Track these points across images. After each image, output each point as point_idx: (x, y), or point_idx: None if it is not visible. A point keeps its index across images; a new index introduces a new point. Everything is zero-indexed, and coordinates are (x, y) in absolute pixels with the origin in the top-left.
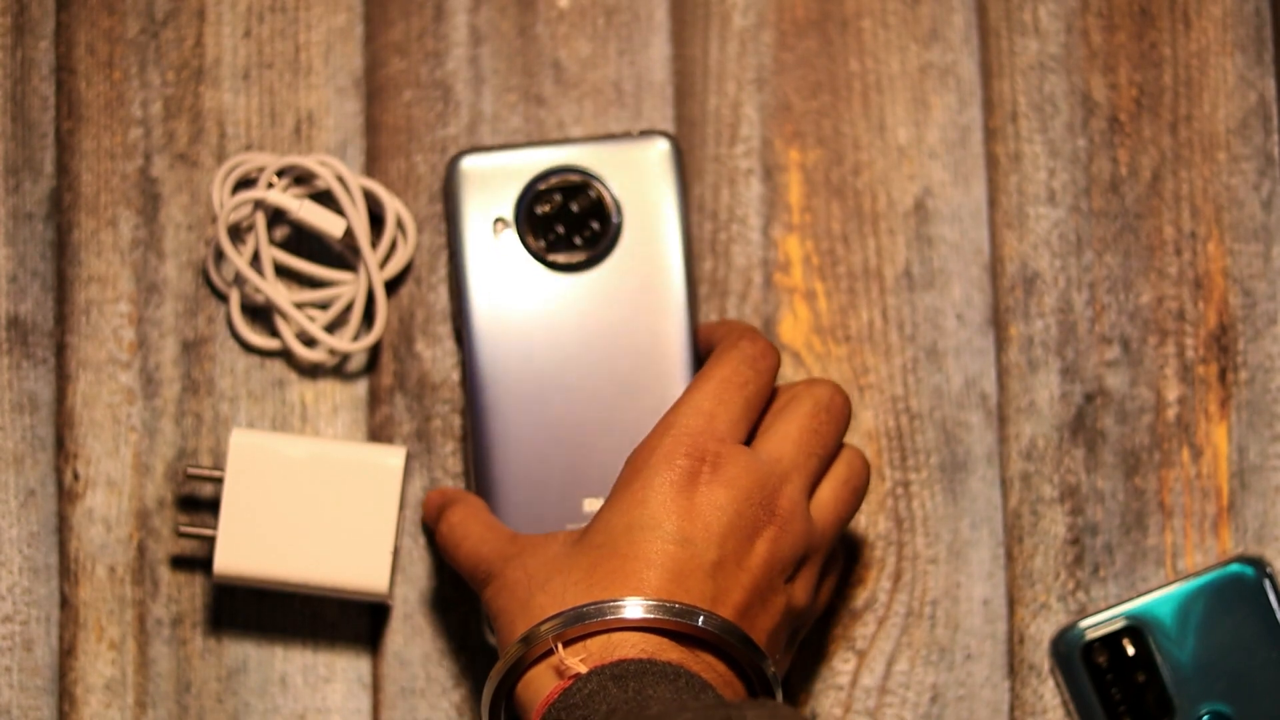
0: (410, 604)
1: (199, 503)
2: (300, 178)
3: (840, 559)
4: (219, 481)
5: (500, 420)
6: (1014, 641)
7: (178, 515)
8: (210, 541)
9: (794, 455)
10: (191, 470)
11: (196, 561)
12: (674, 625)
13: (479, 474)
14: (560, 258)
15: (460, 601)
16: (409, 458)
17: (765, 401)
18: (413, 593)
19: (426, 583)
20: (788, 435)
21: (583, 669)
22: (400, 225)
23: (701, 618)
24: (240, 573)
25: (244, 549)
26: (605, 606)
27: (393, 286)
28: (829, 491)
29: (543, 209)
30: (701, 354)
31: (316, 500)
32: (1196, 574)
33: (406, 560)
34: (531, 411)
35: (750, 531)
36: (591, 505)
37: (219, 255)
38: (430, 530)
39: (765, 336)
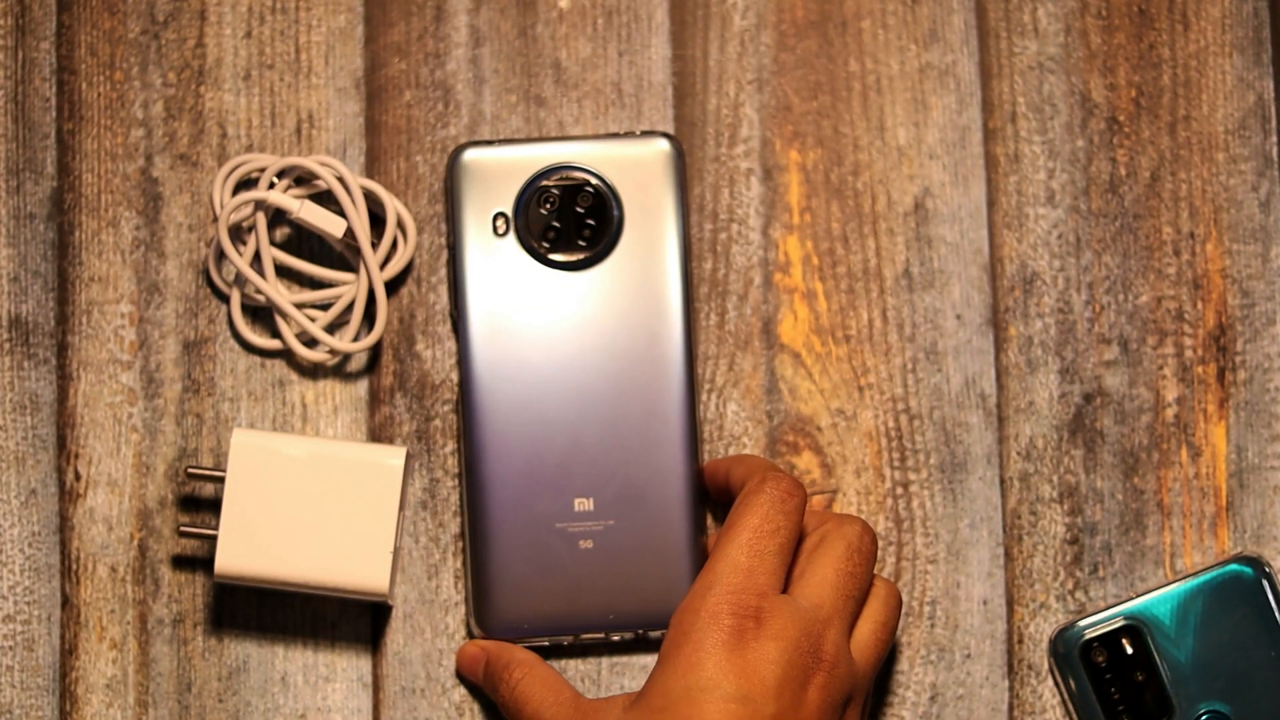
0: (410, 604)
1: (200, 502)
2: (301, 178)
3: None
4: (220, 481)
5: (494, 416)
6: (1013, 641)
7: (179, 515)
8: (211, 541)
9: (834, 600)
10: (192, 470)
11: (197, 561)
12: None
13: (471, 470)
14: (560, 256)
15: (460, 602)
16: (409, 458)
17: (796, 543)
18: (413, 593)
19: (426, 583)
20: (825, 580)
21: None
22: (400, 226)
23: None
24: (241, 572)
25: (245, 549)
26: None
27: (393, 287)
28: (868, 631)
29: (543, 206)
30: (711, 491)
31: (317, 500)
32: (1195, 574)
33: (406, 560)
34: (526, 409)
35: (802, 680)
36: (582, 505)
37: (220, 256)
38: (464, 680)
39: (786, 473)
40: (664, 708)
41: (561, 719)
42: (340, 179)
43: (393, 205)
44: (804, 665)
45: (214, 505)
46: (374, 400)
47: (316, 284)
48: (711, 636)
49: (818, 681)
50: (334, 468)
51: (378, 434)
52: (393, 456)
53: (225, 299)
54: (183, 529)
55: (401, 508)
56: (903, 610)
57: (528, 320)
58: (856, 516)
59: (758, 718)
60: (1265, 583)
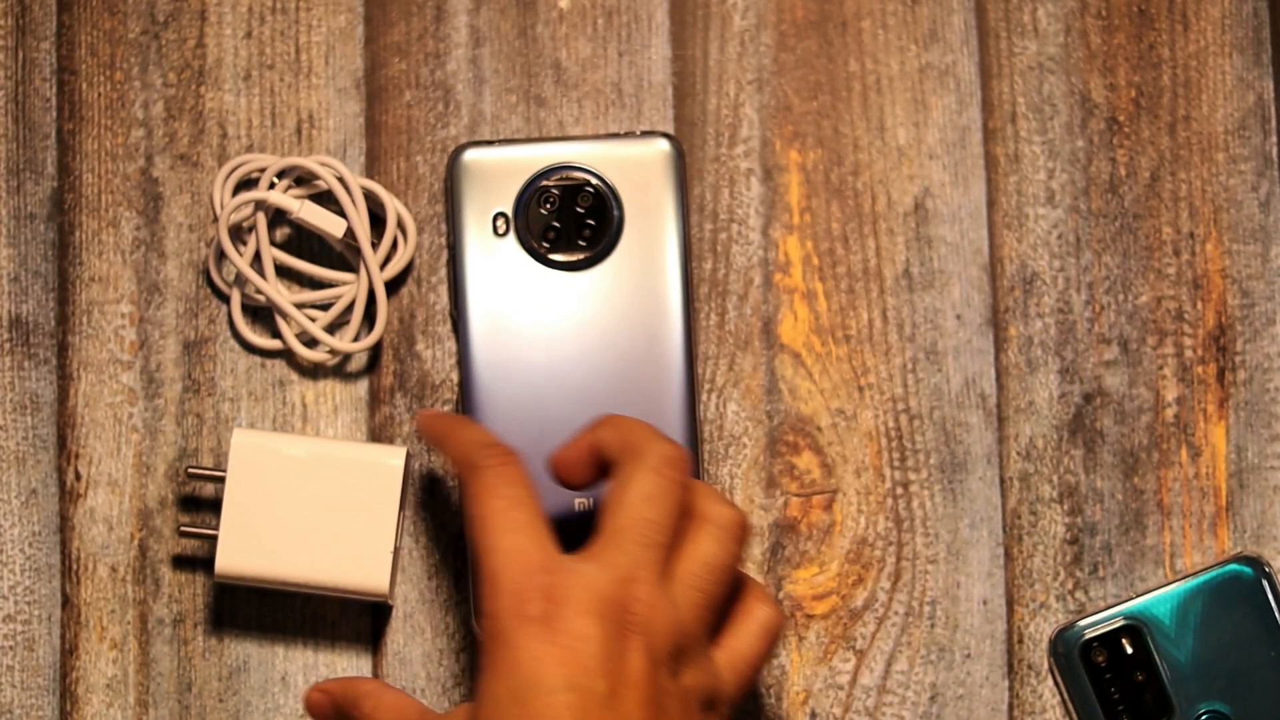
0: (410, 604)
1: (200, 502)
2: (301, 178)
3: (762, 603)
4: (220, 481)
5: (495, 416)
6: (1013, 641)
7: (179, 515)
8: (211, 541)
9: (634, 553)
10: (193, 470)
11: (198, 561)
12: None
13: None
14: (560, 256)
15: (460, 601)
16: (409, 458)
17: (537, 504)
18: (413, 593)
19: (426, 582)
20: (620, 531)
21: None
22: (401, 226)
23: None
24: (241, 572)
25: (245, 549)
26: None
27: (393, 287)
28: (683, 570)
29: (543, 206)
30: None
31: (317, 500)
32: (1195, 573)
33: (406, 560)
34: (526, 409)
35: (621, 649)
36: (582, 505)
37: (220, 256)
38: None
39: (498, 447)
40: (495, 715)
41: None
42: (340, 179)
43: (393, 205)
44: (617, 634)
45: (214, 505)
46: (374, 400)
47: (316, 284)
48: (518, 632)
49: (636, 644)
50: (334, 468)
51: (378, 434)
52: (393, 456)
53: (225, 299)
54: (183, 529)
55: (402, 508)
56: (739, 519)
57: (528, 320)
58: (650, 449)
59: (591, 700)
60: (1265, 583)
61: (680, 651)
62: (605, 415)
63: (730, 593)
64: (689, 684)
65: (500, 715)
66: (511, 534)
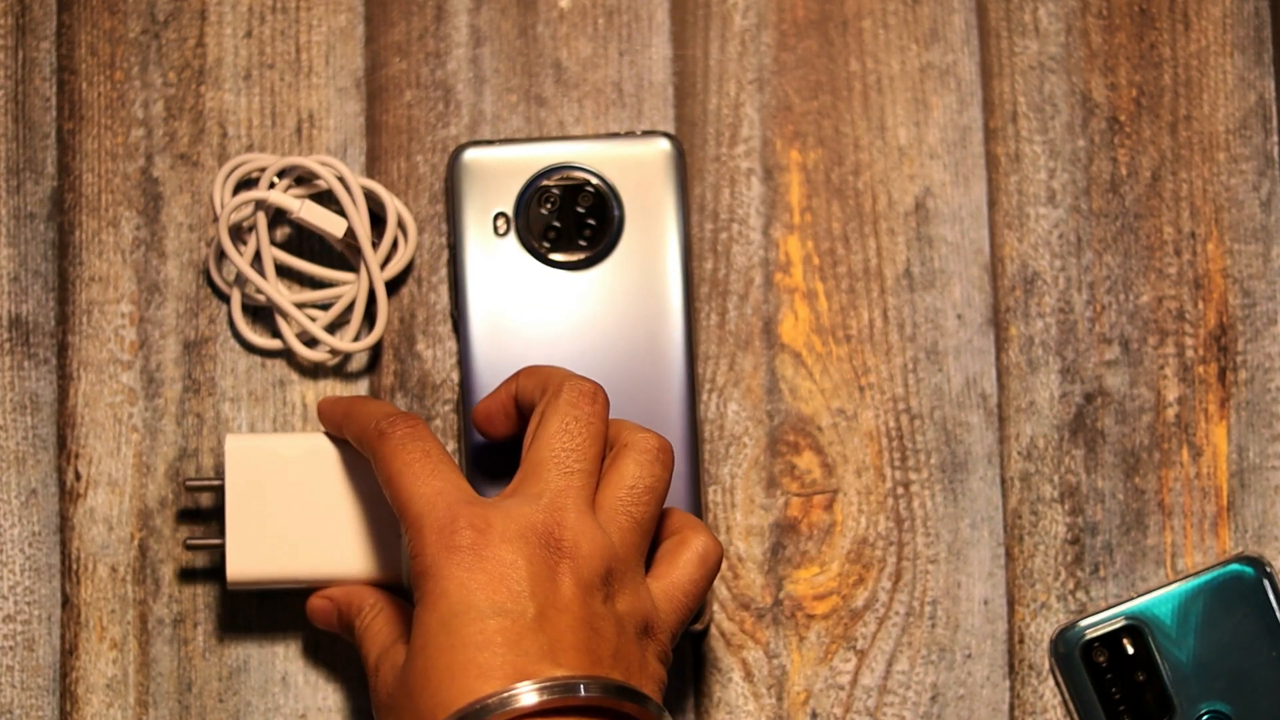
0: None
1: (202, 513)
2: (301, 178)
3: (698, 534)
4: (219, 490)
5: None
6: (1014, 641)
7: (184, 529)
8: (217, 550)
9: (556, 481)
10: (190, 483)
11: (198, 561)
12: (555, 703)
13: (472, 470)
14: (560, 256)
15: None
16: None
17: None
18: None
19: None
20: (540, 463)
21: None
22: (401, 225)
23: (582, 686)
24: (254, 577)
25: (254, 554)
26: (490, 702)
27: (394, 286)
28: (608, 496)
29: (544, 206)
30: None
31: (319, 495)
32: (1196, 573)
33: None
34: None
35: (550, 574)
36: None
37: (220, 255)
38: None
39: (401, 415)
40: (425, 645)
41: (386, 668)
42: (341, 179)
43: (393, 205)
44: (545, 560)
45: (216, 514)
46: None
47: (317, 284)
48: (445, 559)
49: (564, 570)
50: (331, 461)
51: None
52: None
53: (226, 299)
54: (189, 543)
55: None
56: (661, 448)
57: (528, 320)
58: (565, 381)
59: (521, 624)
60: (1266, 582)
61: (611, 575)
62: (525, 366)
63: (658, 515)
64: (622, 609)
65: (431, 643)
66: (430, 479)
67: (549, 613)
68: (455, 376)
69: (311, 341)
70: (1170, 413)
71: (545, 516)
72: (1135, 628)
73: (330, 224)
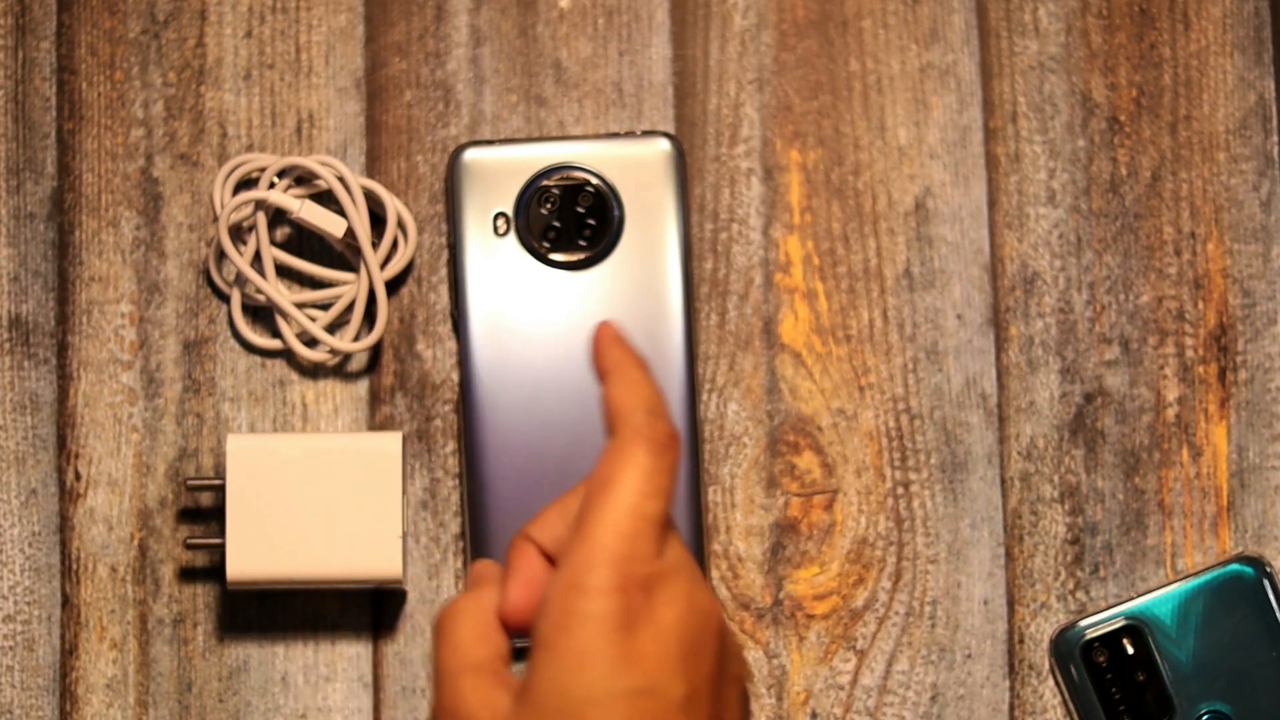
0: (410, 604)
1: (202, 512)
2: (301, 178)
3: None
4: (220, 489)
5: (494, 416)
6: (1014, 641)
7: (184, 528)
8: (218, 550)
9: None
10: (191, 482)
11: (198, 561)
12: None
13: (472, 470)
14: (560, 256)
15: None
16: (405, 440)
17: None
18: (413, 593)
19: (427, 583)
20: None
21: None
22: (401, 225)
23: None
24: (254, 576)
25: (254, 553)
26: None
27: (393, 286)
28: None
29: (544, 206)
30: None
31: (320, 495)
32: (1196, 573)
33: (407, 558)
34: (526, 409)
35: (700, 649)
36: None
37: (220, 255)
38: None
39: (660, 412)
40: (560, 709)
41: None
42: (340, 179)
43: (393, 205)
44: (699, 626)
45: (216, 513)
46: (374, 400)
47: (317, 284)
48: (599, 618)
49: (711, 648)
50: (332, 461)
51: None
52: (389, 442)
53: (225, 299)
54: (189, 542)
55: (404, 491)
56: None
57: (528, 320)
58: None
59: (668, 708)
60: (1266, 582)
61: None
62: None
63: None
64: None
65: (564, 709)
66: (635, 520)
67: (699, 695)
68: (455, 376)
69: (311, 341)
70: (1170, 413)
71: (705, 592)
72: (1135, 628)
73: (330, 224)
